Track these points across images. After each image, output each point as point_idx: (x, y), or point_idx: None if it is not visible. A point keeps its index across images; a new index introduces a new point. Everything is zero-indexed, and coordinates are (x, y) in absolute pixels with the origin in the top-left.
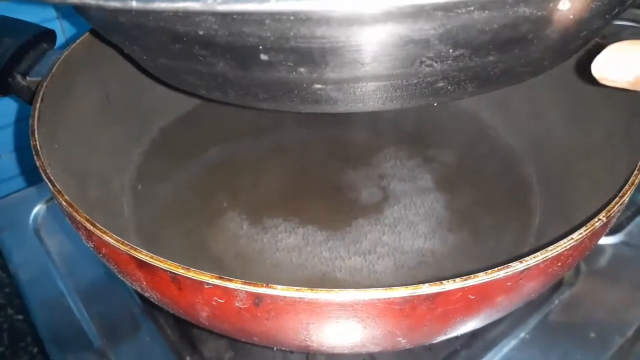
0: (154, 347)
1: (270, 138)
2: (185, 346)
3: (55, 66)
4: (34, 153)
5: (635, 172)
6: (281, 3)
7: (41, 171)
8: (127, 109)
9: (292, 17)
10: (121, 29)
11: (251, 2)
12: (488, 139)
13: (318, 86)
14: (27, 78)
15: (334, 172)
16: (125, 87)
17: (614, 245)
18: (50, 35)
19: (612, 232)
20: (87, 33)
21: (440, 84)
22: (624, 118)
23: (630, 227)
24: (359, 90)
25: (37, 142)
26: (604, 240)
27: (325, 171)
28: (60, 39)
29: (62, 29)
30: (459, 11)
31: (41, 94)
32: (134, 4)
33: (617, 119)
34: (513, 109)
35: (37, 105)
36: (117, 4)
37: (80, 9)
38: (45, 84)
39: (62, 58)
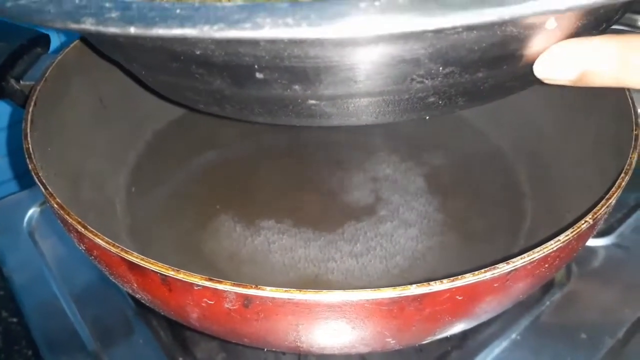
0: (147, 349)
1: (263, 141)
2: (177, 348)
3: (49, 70)
4: (26, 156)
5: (622, 174)
6: (274, 30)
7: (33, 174)
8: (121, 112)
9: (286, 40)
10: (120, 48)
11: (246, 29)
12: (480, 143)
13: (312, 102)
14: (21, 82)
15: (327, 175)
16: (119, 90)
17: (605, 247)
18: (44, 39)
19: (604, 234)
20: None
21: (432, 99)
22: (612, 122)
23: (621, 229)
24: (352, 105)
25: (30, 146)
26: (596, 242)
27: (319, 174)
28: (54, 43)
29: (57, 34)
30: (448, 32)
31: (34, 97)
32: (133, 30)
33: (606, 123)
34: (504, 113)
35: (30, 109)
36: (116, 30)
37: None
38: (38, 87)
39: (55, 62)
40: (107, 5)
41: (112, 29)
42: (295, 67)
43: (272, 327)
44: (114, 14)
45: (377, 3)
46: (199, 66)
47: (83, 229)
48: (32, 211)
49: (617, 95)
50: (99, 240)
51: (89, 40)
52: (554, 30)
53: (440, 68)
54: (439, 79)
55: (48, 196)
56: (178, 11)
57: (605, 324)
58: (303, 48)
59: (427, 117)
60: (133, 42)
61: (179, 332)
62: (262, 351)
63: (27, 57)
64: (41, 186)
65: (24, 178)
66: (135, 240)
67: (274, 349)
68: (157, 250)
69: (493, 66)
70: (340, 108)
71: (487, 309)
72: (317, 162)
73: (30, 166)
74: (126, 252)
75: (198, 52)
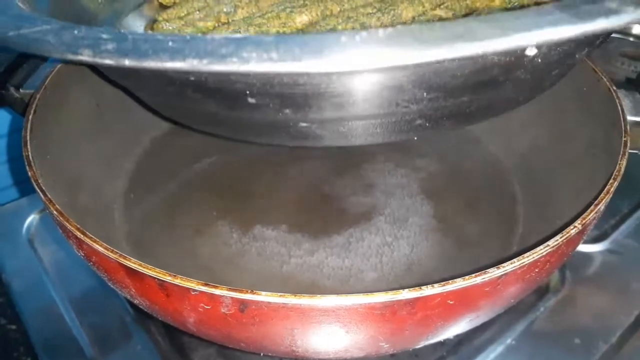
0: (145, 355)
1: (260, 148)
2: (175, 354)
3: (48, 79)
4: (26, 163)
5: (611, 180)
6: (260, 65)
7: (33, 181)
8: (119, 120)
9: (271, 73)
10: (119, 73)
11: (233, 63)
12: (474, 149)
13: (303, 125)
14: (21, 90)
15: (324, 181)
16: (117, 98)
17: (599, 253)
18: None
19: (597, 240)
20: None
21: (419, 122)
22: (602, 130)
23: (615, 235)
24: (342, 128)
25: (30, 153)
26: (589, 248)
27: (315, 181)
28: None
29: None
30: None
31: (34, 105)
32: (127, 62)
33: (597, 131)
34: (498, 121)
35: (30, 116)
36: (111, 62)
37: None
38: (38, 96)
39: (54, 71)
40: (104, 36)
41: (108, 61)
42: (284, 94)
43: (267, 331)
44: (110, 46)
45: (357, 37)
46: (193, 90)
47: (82, 235)
48: (32, 218)
49: (607, 103)
50: (97, 246)
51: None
52: (535, 56)
53: (425, 93)
54: (424, 103)
55: (48, 203)
56: (170, 44)
57: (599, 329)
58: (291, 76)
59: (415, 138)
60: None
61: (176, 338)
62: (259, 356)
63: (26, 66)
64: (41, 193)
65: (23, 185)
66: (133, 246)
67: (270, 354)
68: (155, 257)
69: (477, 91)
70: (330, 130)
71: (478, 313)
72: (314, 169)
73: (30, 173)
74: (124, 257)
75: (192, 78)
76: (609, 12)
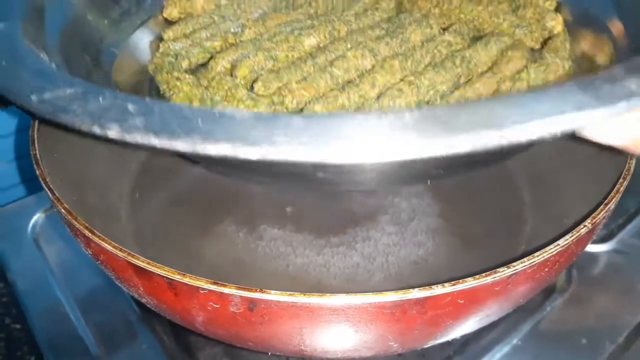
0: (150, 354)
1: None
2: (181, 353)
3: None
4: (34, 162)
5: (621, 180)
6: (290, 148)
7: (41, 180)
8: None
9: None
10: None
11: (263, 148)
12: None
13: (321, 175)
14: None
15: None
16: None
17: (606, 253)
18: None
19: (604, 240)
20: None
21: (434, 172)
22: None
23: (621, 235)
24: (359, 177)
25: (37, 152)
26: (596, 248)
27: None
28: None
29: None
30: None
31: None
32: (157, 143)
33: None
34: None
35: None
36: (140, 140)
37: None
38: None
39: None
40: (130, 108)
41: (137, 138)
42: None
43: (276, 330)
44: (137, 121)
45: (385, 120)
46: None
47: (90, 234)
48: (37, 217)
49: None
50: (106, 244)
51: None
52: None
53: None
54: (440, 158)
55: (55, 201)
56: (200, 123)
57: (605, 329)
58: None
59: (429, 182)
60: None
61: (182, 337)
62: (266, 355)
63: None
64: (48, 192)
65: (29, 183)
66: (139, 246)
67: (278, 353)
68: (161, 256)
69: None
70: (347, 180)
71: (488, 313)
72: None
73: (38, 172)
74: (133, 256)
75: None
76: (630, 95)
